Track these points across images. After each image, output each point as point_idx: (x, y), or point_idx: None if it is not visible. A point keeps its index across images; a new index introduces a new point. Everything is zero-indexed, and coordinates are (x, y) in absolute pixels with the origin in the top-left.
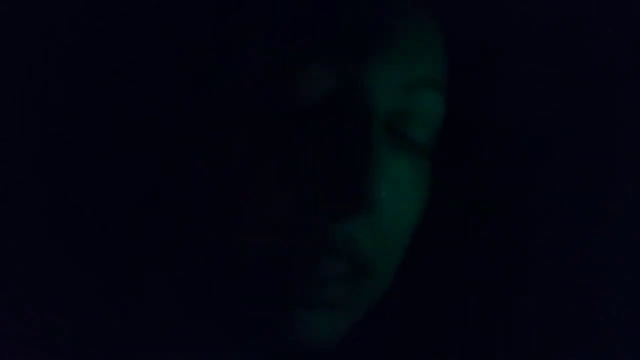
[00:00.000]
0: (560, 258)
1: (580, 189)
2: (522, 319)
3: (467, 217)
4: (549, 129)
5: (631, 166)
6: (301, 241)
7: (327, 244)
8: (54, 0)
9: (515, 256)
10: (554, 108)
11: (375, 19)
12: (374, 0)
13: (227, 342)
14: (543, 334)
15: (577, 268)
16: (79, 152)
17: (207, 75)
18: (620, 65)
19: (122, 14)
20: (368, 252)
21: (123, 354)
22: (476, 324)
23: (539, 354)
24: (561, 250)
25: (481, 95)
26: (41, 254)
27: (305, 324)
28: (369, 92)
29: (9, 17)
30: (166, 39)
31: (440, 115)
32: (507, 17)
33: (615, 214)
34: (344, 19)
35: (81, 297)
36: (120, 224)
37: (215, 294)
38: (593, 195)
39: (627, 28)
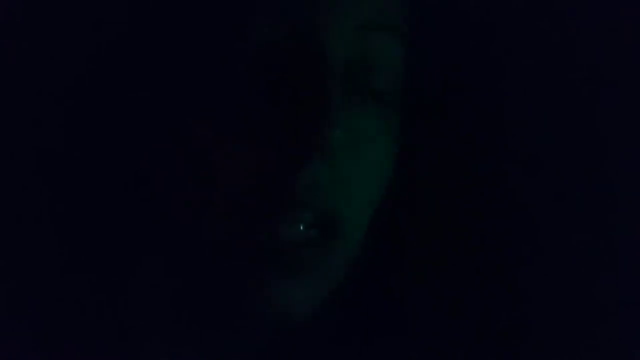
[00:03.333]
0: (559, 256)
1: (579, 188)
2: (520, 318)
3: (466, 216)
4: (548, 128)
5: (630, 166)
6: (266, 194)
7: (291, 193)
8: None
9: (512, 255)
10: (553, 107)
11: None
12: None
13: (212, 336)
14: (541, 333)
15: (576, 267)
16: (62, 146)
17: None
18: (619, 66)
19: (118, 12)
20: (334, 202)
21: (115, 351)
22: (469, 320)
23: (538, 353)
24: (560, 249)
25: (480, 95)
26: (28, 249)
27: (279, 292)
28: (322, 40)
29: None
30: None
31: (400, 61)
32: (507, 17)
33: (614, 215)
34: None
35: (71, 294)
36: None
37: (191, 276)
38: (592, 195)
39: (626, 28)
